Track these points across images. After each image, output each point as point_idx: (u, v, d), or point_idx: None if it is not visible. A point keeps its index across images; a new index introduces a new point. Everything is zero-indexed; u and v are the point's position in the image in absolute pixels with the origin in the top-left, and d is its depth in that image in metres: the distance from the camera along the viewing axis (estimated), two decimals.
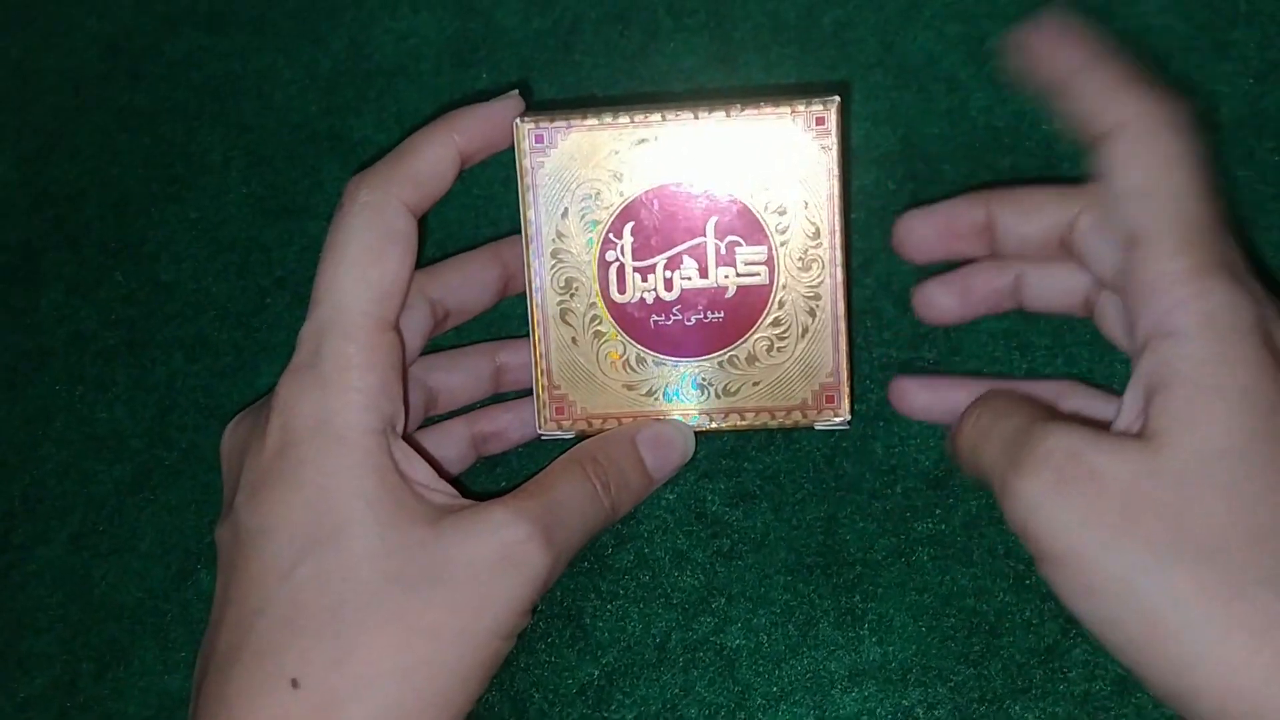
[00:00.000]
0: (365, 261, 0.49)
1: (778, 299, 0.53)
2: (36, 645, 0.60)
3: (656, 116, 0.52)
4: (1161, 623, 0.42)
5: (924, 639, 0.54)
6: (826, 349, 0.53)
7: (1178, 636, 0.41)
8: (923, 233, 0.56)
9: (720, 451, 0.58)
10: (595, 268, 0.53)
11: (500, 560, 0.47)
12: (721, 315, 0.53)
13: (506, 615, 0.47)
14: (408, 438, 0.51)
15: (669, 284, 0.53)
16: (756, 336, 0.53)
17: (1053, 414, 0.49)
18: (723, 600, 0.55)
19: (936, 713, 0.52)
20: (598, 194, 0.53)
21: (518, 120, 0.53)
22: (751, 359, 0.53)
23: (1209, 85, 0.61)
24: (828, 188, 0.52)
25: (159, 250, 0.66)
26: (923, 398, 0.56)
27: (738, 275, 0.53)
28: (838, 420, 0.53)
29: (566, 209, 0.53)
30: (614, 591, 0.56)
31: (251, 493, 0.49)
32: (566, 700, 0.55)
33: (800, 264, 0.53)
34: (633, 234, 0.53)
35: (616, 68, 0.66)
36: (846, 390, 0.53)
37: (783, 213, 0.52)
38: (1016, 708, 0.52)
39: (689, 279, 0.53)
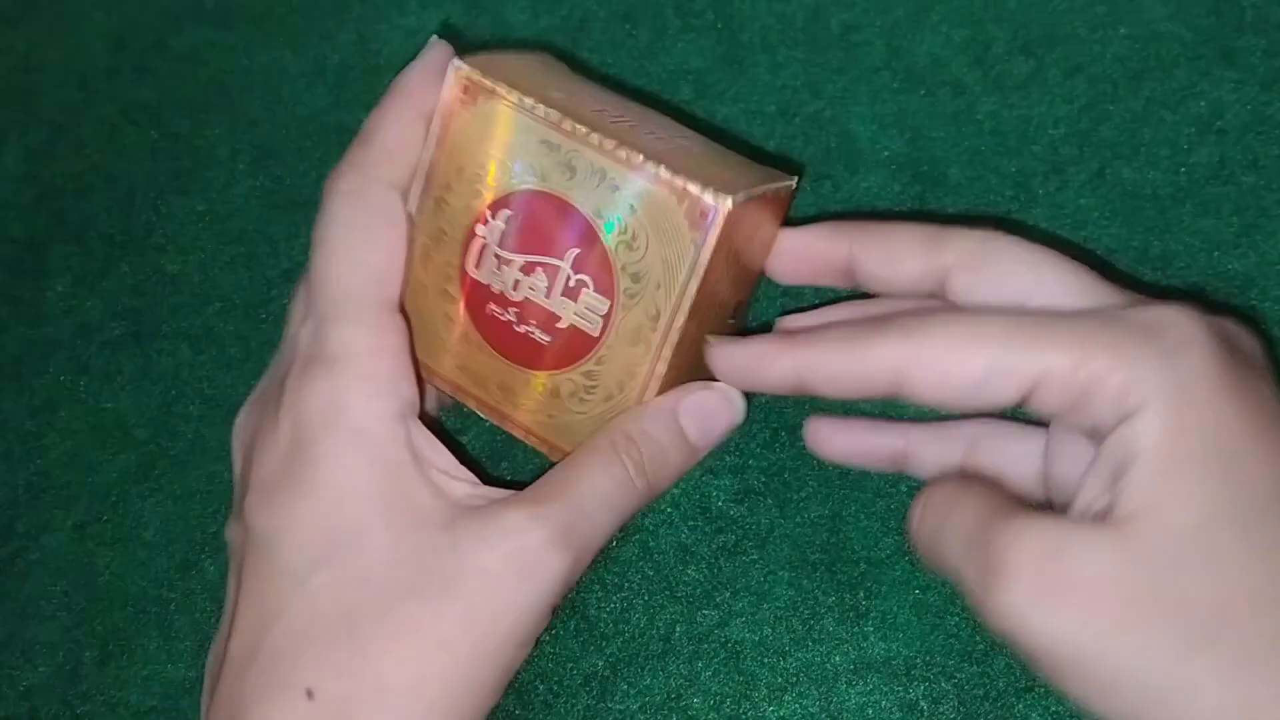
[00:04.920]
0: (355, 245, 0.49)
1: (599, 354, 0.50)
2: (40, 634, 0.60)
3: (579, 128, 0.47)
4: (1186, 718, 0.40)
5: (928, 636, 0.54)
6: None
7: None
8: (790, 255, 0.53)
9: (725, 449, 0.58)
10: (464, 234, 0.50)
11: (516, 569, 0.46)
12: (549, 340, 0.50)
13: (523, 624, 0.46)
14: (428, 421, 0.50)
15: (516, 285, 0.50)
16: (568, 376, 0.50)
17: (1008, 503, 0.45)
18: (727, 594, 0.56)
19: (941, 707, 0.53)
20: (492, 169, 0.49)
21: (455, 62, 0.49)
22: (554, 393, 0.51)
23: (1214, 92, 0.61)
24: (684, 283, 0.48)
25: (165, 242, 0.67)
26: (838, 441, 0.55)
27: (574, 313, 0.49)
28: None
29: (463, 168, 0.50)
30: (618, 584, 0.56)
31: (263, 494, 0.47)
32: (571, 691, 0.55)
33: (630, 337, 0.49)
34: (506, 223, 0.49)
35: (624, 66, 0.66)
36: None
37: (637, 280, 0.48)
38: (1020, 706, 0.52)
39: (534, 290, 0.49)
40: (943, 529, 0.45)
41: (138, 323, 0.65)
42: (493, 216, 0.49)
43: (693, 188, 0.46)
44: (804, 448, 0.57)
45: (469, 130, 0.49)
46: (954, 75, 0.63)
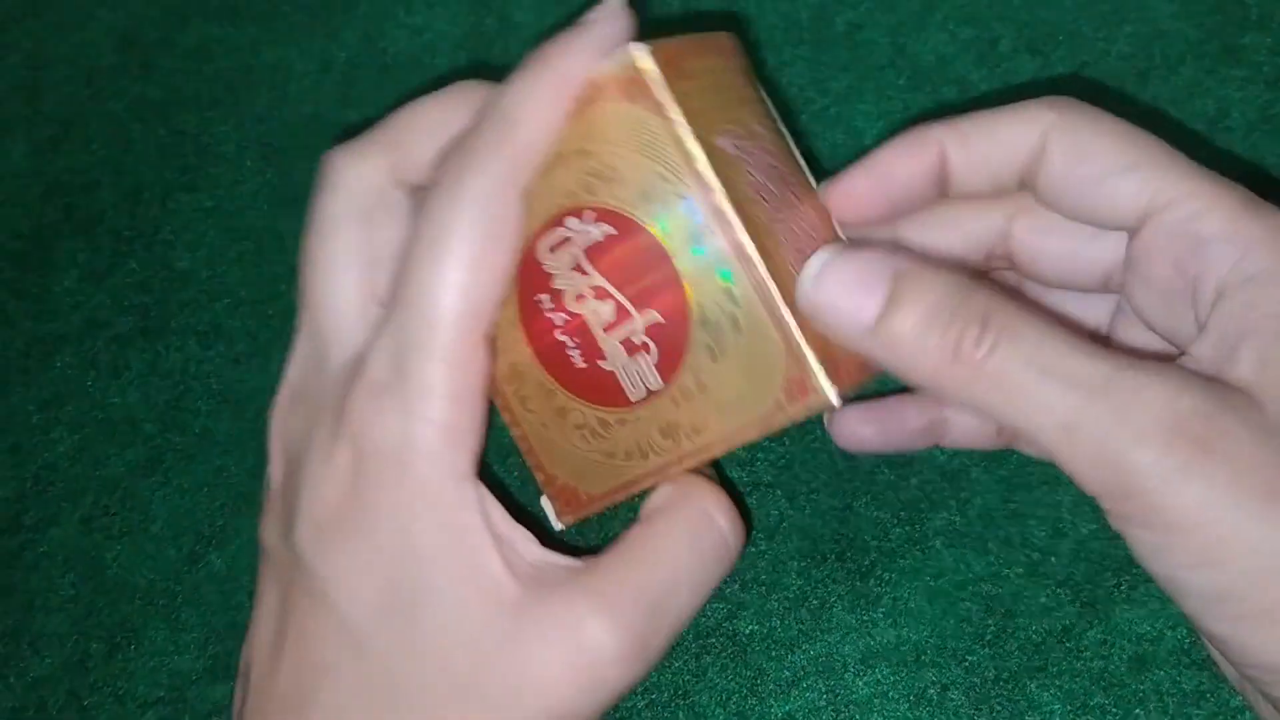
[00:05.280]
0: (470, 267, 0.41)
1: (623, 416, 0.45)
2: (48, 625, 0.60)
3: (729, 217, 0.41)
4: None
5: (939, 621, 0.54)
6: (605, 484, 0.47)
7: None
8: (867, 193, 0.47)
9: None
10: (553, 211, 0.43)
11: (582, 683, 0.41)
12: (583, 366, 0.45)
13: None
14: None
15: (580, 299, 0.44)
16: (582, 410, 0.46)
17: (1120, 350, 0.41)
18: (735, 586, 0.56)
19: (950, 694, 0.53)
20: (619, 179, 0.42)
21: (637, 50, 0.41)
22: (563, 412, 0.46)
23: (1220, 90, 0.61)
24: (744, 427, 0.43)
25: (173, 238, 0.67)
26: (868, 430, 0.51)
27: (621, 366, 0.44)
28: (552, 520, 0.49)
29: (589, 153, 0.42)
30: None
31: (319, 530, 0.43)
32: None
33: (664, 428, 0.44)
34: (603, 236, 0.42)
35: None
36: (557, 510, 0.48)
37: (701, 389, 0.43)
38: (1033, 686, 0.52)
39: (595, 315, 0.43)
40: (1041, 366, 0.39)
41: (145, 318, 0.65)
42: (594, 220, 0.42)
43: (814, 366, 0.41)
44: (813, 441, 0.57)
45: (616, 123, 0.41)
46: (959, 73, 0.63)
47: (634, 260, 0.42)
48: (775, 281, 0.41)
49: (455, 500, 0.42)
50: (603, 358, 0.44)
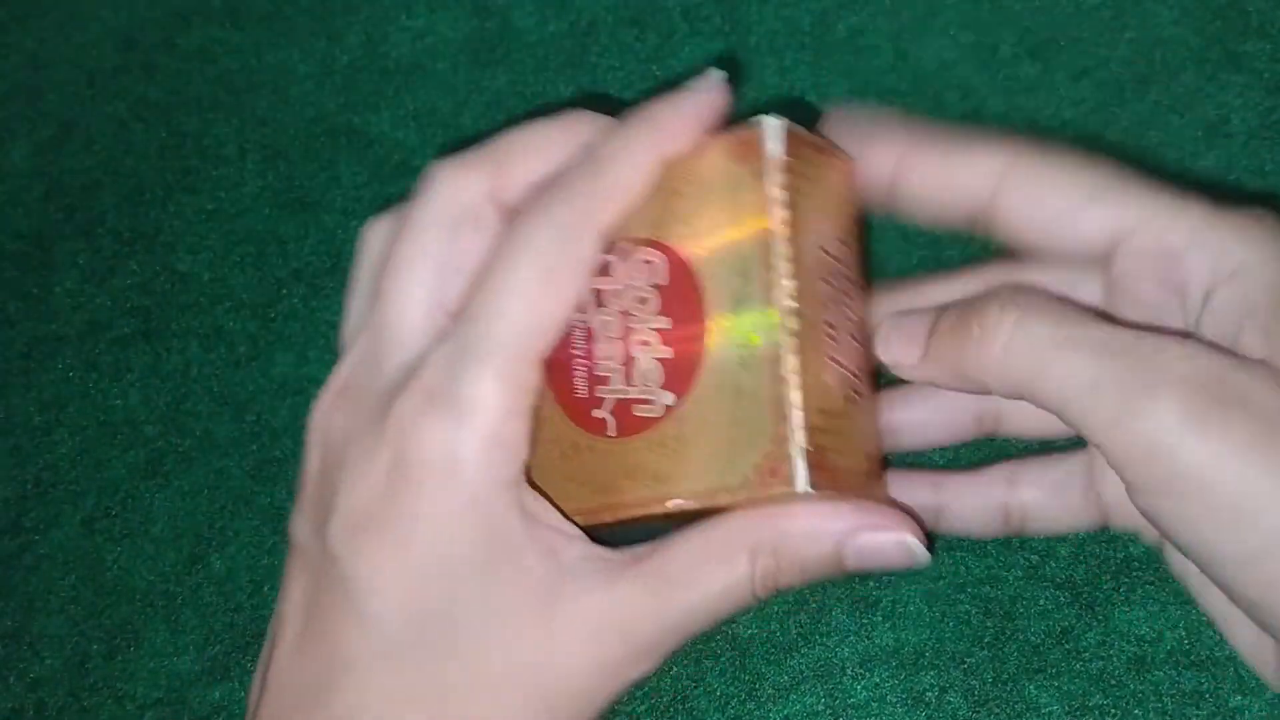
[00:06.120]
0: (540, 292, 0.43)
1: (594, 445, 0.45)
2: (48, 627, 0.60)
3: (785, 312, 0.41)
4: None
5: (938, 623, 0.54)
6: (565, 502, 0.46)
7: None
8: None
9: None
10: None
11: (602, 678, 0.43)
12: (583, 385, 0.45)
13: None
14: None
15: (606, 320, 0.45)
16: (561, 425, 0.46)
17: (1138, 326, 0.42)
18: None
19: (949, 696, 0.53)
20: (685, 218, 0.44)
21: (771, 123, 0.43)
22: (541, 421, 0.45)
23: (1220, 97, 0.61)
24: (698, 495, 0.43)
25: (175, 240, 0.67)
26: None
27: (614, 393, 0.45)
28: None
29: (678, 191, 0.44)
30: None
31: (352, 530, 0.43)
32: None
33: (627, 470, 0.44)
34: (654, 275, 0.44)
35: (632, 71, 0.67)
36: None
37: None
38: (1032, 688, 0.52)
39: (606, 330, 0.45)
40: (1062, 338, 0.41)
41: (147, 320, 0.65)
42: (646, 252, 0.44)
43: (796, 455, 0.40)
44: None
45: (708, 171, 0.44)
46: (961, 78, 0.63)
47: (672, 303, 0.43)
48: (799, 357, 0.41)
49: (500, 509, 0.42)
50: (603, 383, 0.44)
